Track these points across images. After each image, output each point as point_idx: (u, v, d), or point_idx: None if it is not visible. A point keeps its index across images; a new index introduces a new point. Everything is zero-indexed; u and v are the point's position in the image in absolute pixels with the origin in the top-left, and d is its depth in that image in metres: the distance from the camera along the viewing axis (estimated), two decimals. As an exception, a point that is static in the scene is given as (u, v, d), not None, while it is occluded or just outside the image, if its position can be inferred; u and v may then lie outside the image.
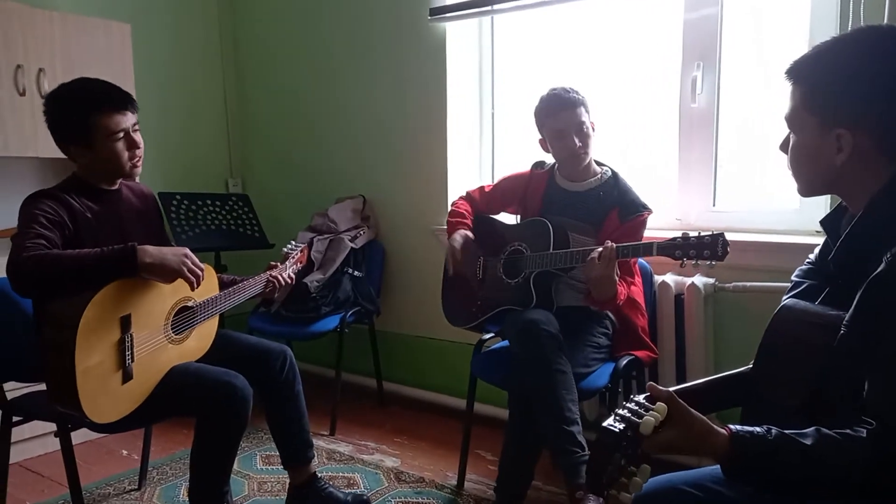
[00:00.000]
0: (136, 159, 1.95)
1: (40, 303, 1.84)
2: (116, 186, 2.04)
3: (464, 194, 2.60)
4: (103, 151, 1.89)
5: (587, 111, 2.28)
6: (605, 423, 1.03)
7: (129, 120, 1.91)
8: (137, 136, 1.94)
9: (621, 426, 1.02)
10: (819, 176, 1.15)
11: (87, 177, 1.97)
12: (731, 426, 1.05)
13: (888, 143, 1.07)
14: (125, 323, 1.77)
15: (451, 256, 2.42)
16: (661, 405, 1.05)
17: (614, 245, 2.02)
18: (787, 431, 1.02)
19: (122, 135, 1.90)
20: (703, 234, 1.90)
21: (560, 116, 2.26)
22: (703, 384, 1.29)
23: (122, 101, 1.90)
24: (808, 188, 1.19)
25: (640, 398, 1.08)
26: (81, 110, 1.86)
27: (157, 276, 1.79)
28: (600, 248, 2.03)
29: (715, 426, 1.05)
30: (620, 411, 1.05)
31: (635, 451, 1.03)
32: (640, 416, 1.03)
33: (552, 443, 2.01)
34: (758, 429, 1.03)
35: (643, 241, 2.06)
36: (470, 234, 2.45)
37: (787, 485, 1.03)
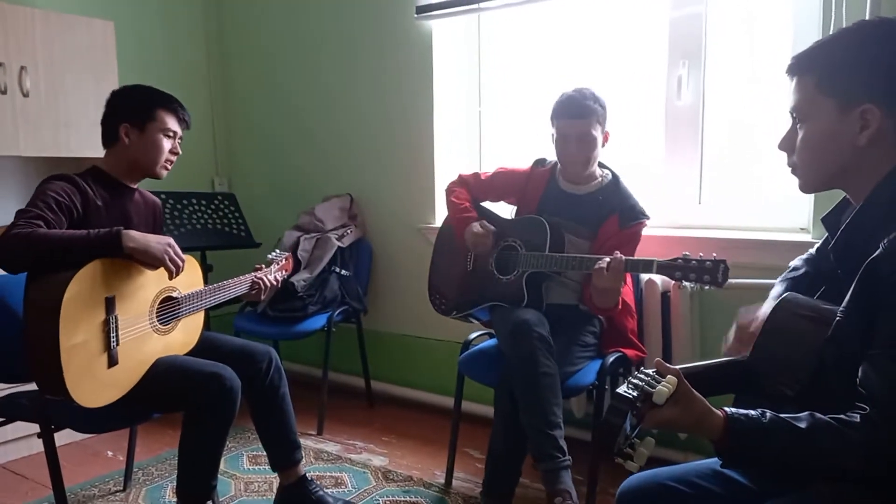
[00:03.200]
0: (169, 163, 2.09)
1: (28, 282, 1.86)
2: (133, 186, 2.11)
3: (457, 178, 2.57)
4: (150, 139, 2.02)
5: (600, 123, 2.23)
6: (618, 390, 1.04)
7: (180, 130, 2.10)
8: (179, 147, 2.11)
9: (635, 393, 1.03)
10: (834, 162, 1.12)
11: (111, 168, 2.05)
12: (727, 408, 1.05)
13: None
14: (110, 304, 1.79)
15: (477, 243, 2.37)
16: (671, 378, 1.06)
17: (623, 258, 2.01)
18: (781, 415, 1.02)
19: (171, 134, 2.06)
20: (704, 257, 1.88)
21: (566, 123, 2.24)
22: (701, 367, 1.28)
23: (184, 112, 2.10)
24: (817, 179, 1.17)
25: (650, 371, 1.08)
26: (151, 100, 2.05)
27: (139, 261, 1.83)
28: (608, 259, 2.01)
29: (712, 408, 1.06)
30: (633, 380, 1.06)
31: (639, 422, 1.04)
32: (653, 386, 1.04)
33: (534, 446, 2.01)
34: (752, 412, 1.04)
35: (644, 258, 2.04)
36: (486, 225, 2.38)
37: (781, 467, 1.04)
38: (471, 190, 2.53)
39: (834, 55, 1.11)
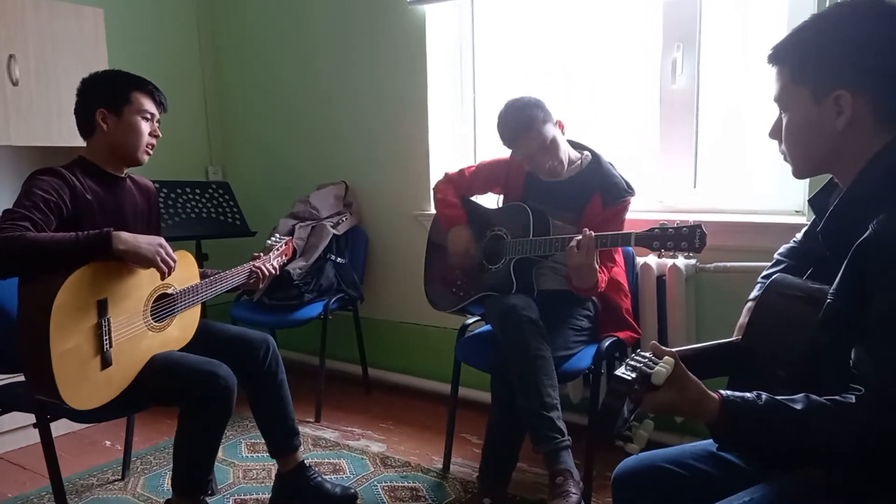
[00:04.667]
0: (150, 147, 2.03)
1: (19, 286, 1.83)
2: (122, 175, 2.06)
3: (443, 177, 2.59)
4: (128, 124, 1.97)
5: (546, 120, 2.19)
6: (616, 372, 1.04)
7: (157, 113, 2.06)
8: (158, 130, 2.06)
9: (633, 375, 1.03)
10: (818, 148, 1.13)
11: (96, 158, 2.00)
12: (722, 391, 1.06)
13: (883, 108, 1.06)
14: (102, 307, 1.77)
15: (458, 253, 2.41)
16: (668, 359, 1.06)
17: (593, 234, 2.02)
18: (777, 397, 1.03)
19: (149, 117, 2.01)
20: (680, 224, 1.89)
21: (517, 146, 2.23)
22: (695, 350, 1.28)
23: (160, 95, 2.05)
24: (806, 166, 1.17)
25: (647, 353, 1.09)
26: (126, 83, 1.99)
27: (130, 262, 1.80)
28: (579, 237, 2.03)
29: (708, 391, 1.06)
30: (631, 362, 1.06)
31: (638, 404, 1.04)
32: (651, 368, 1.04)
33: (532, 428, 2.02)
34: (748, 394, 1.04)
35: (621, 232, 2.06)
36: (468, 232, 2.42)
37: (776, 450, 1.04)
38: (457, 187, 2.54)
39: (803, 44, 1.11)
